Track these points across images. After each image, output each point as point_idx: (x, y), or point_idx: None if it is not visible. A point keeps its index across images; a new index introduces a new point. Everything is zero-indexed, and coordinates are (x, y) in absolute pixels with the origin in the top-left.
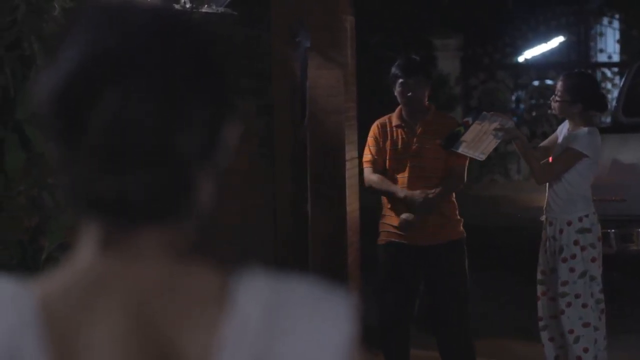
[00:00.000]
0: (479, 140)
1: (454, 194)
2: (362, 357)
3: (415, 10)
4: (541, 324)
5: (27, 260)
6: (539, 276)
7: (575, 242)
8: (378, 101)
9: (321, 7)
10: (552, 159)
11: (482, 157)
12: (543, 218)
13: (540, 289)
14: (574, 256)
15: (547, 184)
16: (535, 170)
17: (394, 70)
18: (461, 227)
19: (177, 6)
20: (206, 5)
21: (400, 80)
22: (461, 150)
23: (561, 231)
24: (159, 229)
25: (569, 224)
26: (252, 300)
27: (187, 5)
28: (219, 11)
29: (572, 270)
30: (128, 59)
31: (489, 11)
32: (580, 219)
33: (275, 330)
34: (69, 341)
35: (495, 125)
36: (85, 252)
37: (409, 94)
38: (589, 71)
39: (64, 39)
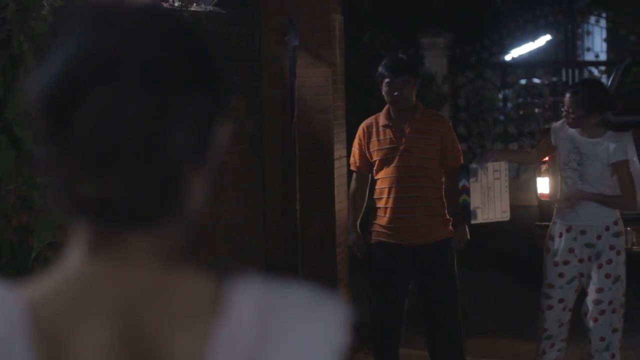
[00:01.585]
0: (488, 200)
1: (442, 193)
2: (352, 356)
3: (404, 9)
4: (545, 334)
5: (16, 259)
6: (547, 289)
7: (612, 247)
8: (367, 100)
9: (310, 6)
10: (624, 182)
11: (507, 217)
12: (559, 227)
13: (547, 302)
14: (610, 261)
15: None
16: (626, 202)
17: (380, 69)
18: (450, 227)
19: (165, 5)
20: (195, 4)
21: (387, 79)
22: (481, 220)
23: (599, 237)
24: (147, 231)
25: (607, 229)
26: (246, 305)
27: (176, 4)
28: (208, 10)
29: (607, 276)
30: (117, 59)
31: (477, 10)
32: (616, 223)
33: (268, 335)
34: (57, 347)
35: (490, 171)
36: (75, 256)
37: (396, 93)
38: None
39: (54, 38)
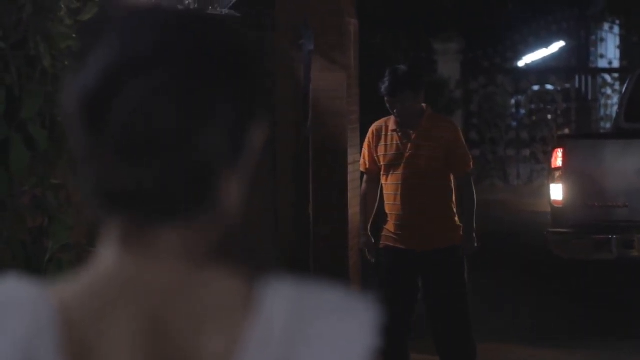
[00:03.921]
0: None
1: (452, 199)
2: None
3: (417, 14)
4: None
5: (30, 260)
6: None
7: None
8: (380, 104)
9: (325, 9)
10: None
11: None
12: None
13: None
14: None
15: None
16: None
17: (379, 85)
18: (460, 232)
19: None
20: (210, 7)
21: (386, 98)
22: None
23: None
24: (178, 228)
25: None
26: (278, 305)
27: (192, 7)
28: (223, 12)
29: None
30: (153, 56)
31: (490, 15)
32: None
33: (300, 336)
34: (86, 347)
35: None
36: (106, 255)
37: (395, 110)
38: (589, 76)
39: (88, 37)
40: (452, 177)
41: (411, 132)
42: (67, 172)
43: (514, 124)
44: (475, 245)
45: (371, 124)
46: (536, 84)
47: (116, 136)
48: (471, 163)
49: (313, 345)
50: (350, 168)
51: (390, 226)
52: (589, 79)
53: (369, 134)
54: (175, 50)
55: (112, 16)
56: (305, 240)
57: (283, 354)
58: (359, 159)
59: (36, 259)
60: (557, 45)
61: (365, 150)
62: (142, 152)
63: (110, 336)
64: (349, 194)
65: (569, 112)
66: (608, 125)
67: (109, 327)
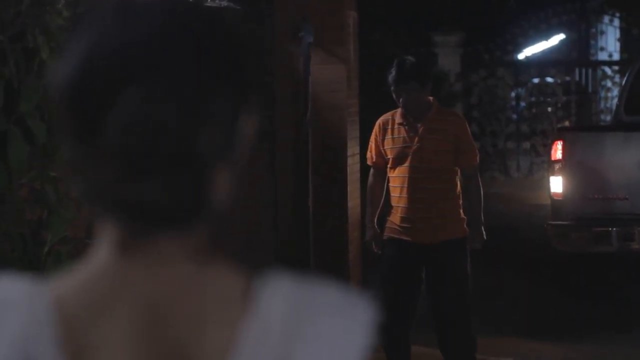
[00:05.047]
0: None
1: (457, 192)
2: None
3: (417, 7)
4: None
5: (28, 253)
6: None
7: None
8: (381, 97)
9: (325, 3)
10: None
11: None
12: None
13: None
14: None
15: None
16: None
17: (387, 75)
18: (464, 226)
19: None
20: (209, 0)
21: (392, 87)
22: None
23: None
24: (180, 232)
25: None
26: (275, 302)
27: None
28: (222, 5)
29: None
30: (146, 57)
31: (490, 8)
32: None
33: (297, 333)
34: (83, 342)
35: None
36: (103, 254)
37: (401, 100)
38: (589, 69)
39: (80, 33)
40: (458, 171)
41: (418, 125)
42: (66, 165)
43: (514, 116)
44: (484, 238)
45: (369, 117)
46: (536, 77)
47: (114, 147)
48: (477, 157)
49: (311, 343)
50: (349, 160)
51: (395, 218)
52: (589, 71)
53: (376, 127)
54: (167, 52)
55: (98, 9)
56: (304, 234)
57: (281, 352)
58: (359, 152)
59: (35, 252)
60: (557, 38)
61: (372, 143)
62: (143, 164)
63: (107, 332)
64: (348, 187)
65: (569, 104)
66: (608, 118)
67: (106, 323)
